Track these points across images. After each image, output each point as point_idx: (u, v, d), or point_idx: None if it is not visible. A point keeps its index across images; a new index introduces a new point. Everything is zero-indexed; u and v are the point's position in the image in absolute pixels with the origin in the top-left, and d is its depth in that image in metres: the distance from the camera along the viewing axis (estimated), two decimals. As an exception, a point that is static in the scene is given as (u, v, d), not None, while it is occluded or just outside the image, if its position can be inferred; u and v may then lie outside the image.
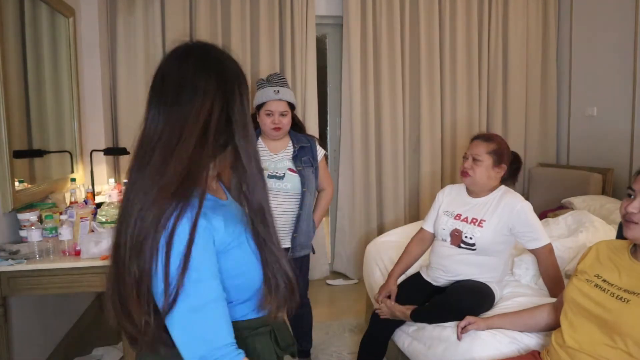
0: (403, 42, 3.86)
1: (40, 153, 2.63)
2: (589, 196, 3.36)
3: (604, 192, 3.55)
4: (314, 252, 2.45)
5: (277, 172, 2.21)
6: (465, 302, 1.92)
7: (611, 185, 3.57)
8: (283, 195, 2.22)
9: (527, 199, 4.05)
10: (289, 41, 3.66)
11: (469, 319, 1.82)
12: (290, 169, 2.22)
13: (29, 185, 2.43)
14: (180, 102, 0.90)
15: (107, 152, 3.08)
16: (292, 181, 2.21)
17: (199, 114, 0.89)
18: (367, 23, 3.78)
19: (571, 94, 4.10)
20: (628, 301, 1.31)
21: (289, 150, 2.29)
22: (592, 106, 3.86)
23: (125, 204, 0.90)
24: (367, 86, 3.83)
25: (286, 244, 2.25)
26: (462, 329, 1.81)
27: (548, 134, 4.26)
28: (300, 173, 2.23)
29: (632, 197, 1.36)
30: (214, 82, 0.91)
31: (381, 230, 3.87)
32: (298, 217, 2.25)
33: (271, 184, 2.20)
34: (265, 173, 2.18)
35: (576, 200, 3.31)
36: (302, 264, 2.36)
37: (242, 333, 0.97)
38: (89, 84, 3.28)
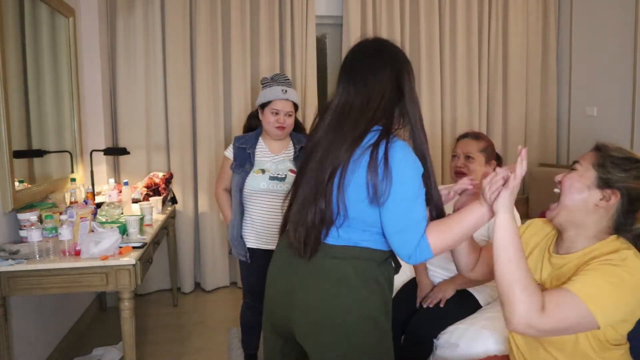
0: (403, 42, 3.86)
1: (40, 153, 2.63)
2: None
3: (604, 192, 3.54)
4: None
5: (278, 174, 2.20)
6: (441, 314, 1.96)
7: (611, 185, 3.56)
8: (284, 197, 2.20)
9: (527, 199, 4.09)
10: (289, 41, 3.65)
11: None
12: (291, 170, 2.22)
13: (29, 185, 2.43)
14: (367, 83, 1.27)
15: (107, 152, 3.08)
16: None
17: (380, 89, 1.26)
18: (367, 23, 3.77)
19: (571, 94, 4.10)
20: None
21: (290, 151, 2.29)
22: (592, 106, 3.86)
23: (321, 155, 1.25)
24: (367, 86, 3.82)
25: None
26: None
27: (548, 134, 4.26)
28: None
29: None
30: (389, 68, 1.27)
31: (381, 230, 3.86)
32: None
33: (273, 185, 2.18)
34: (267, 175, 2.17)
35: (576, 200, 3.30)
36: None
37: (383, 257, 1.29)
38: (89, 84, 3.28)
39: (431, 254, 1.18)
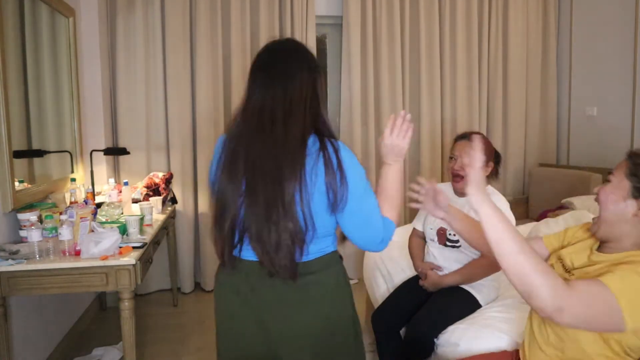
0: (403, 42, 3.86)
1: (40, 153, 2.63)
2: (589, 196, 3.35)
3: (604, 192, 3.54)
4: None
5: None
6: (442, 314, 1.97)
7: (611, 185, 3.56)
8: None
9: (527, 199, 4.09)
10: (289, 41, 3.65)
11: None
12: None
13: (29, 185, 2.43)
14: (287, 88, 1.22)
15: (107, 152, 3.08)
16: None
17: (301, 93, 1.22)
18: (367, 23, 3.78)
19: (571, 94, 4.10)
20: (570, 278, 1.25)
21: None
22: (592, 106, 3.86)
23: (259, 164, 1.18)
24: (367, 86, 3.83)
25: None
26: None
27: (548, 134, 4.26)
28: None
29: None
30: (306, 73, 1.24)
31: (381, 230, 3.86)
32: None
33: None
34: None
35: (576, 200, 3.31)
36: None
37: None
38: (89, 84, 3.28)
39: (394, 226, 1.29)
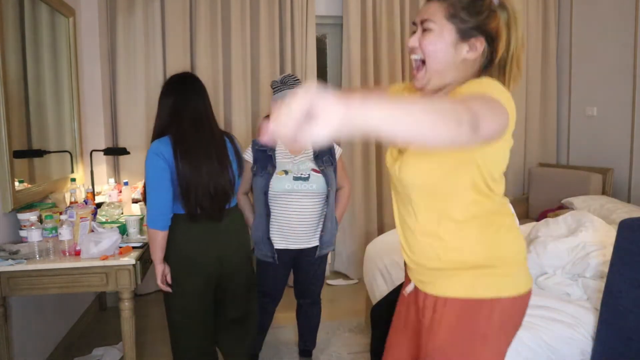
0: (403, 42, 3.86)
1: (40, 153, 2.63)
2: (589, 196, 3.36)
3: (604, 192, 3.55)
4: (334, 249, 2.49)
5: (301, 174, 2.21)
6: None
7: (611, 185, 3.57)
8: (309, 196, 2.21)
9: (527, 198, 4.09)
10: (289, 41, 3.66)
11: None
12: (314, 170, 2.22)
13: (29, 185, 2.43)
14: (205, 102, 2.01)
15: (107, 152, 3.08)
16: (318, 181, 2.21)
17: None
18: (367, 23, 3.78)
19: (571, 94, 4.10)
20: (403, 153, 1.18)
21: (309, 150, 2.29)
22: (592, 106, 3.86)
23: (217, 156, 1.94)
24: (367, 86, 3.83)
25: (313, 242, 2.28)
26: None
27: (548, 134, 4.26)
28: (323, 173, 2.23)
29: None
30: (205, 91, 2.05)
31: (381, 230, 3.86)
32: (324, 216, 2.26)
33: (297, 185, 2.19)
34: (290, 175, 2.19)
35: (576, 200, 3.31)
36: (321, 262, 2.37)
37: None
38: (89, 84, 3.28)
39: None
